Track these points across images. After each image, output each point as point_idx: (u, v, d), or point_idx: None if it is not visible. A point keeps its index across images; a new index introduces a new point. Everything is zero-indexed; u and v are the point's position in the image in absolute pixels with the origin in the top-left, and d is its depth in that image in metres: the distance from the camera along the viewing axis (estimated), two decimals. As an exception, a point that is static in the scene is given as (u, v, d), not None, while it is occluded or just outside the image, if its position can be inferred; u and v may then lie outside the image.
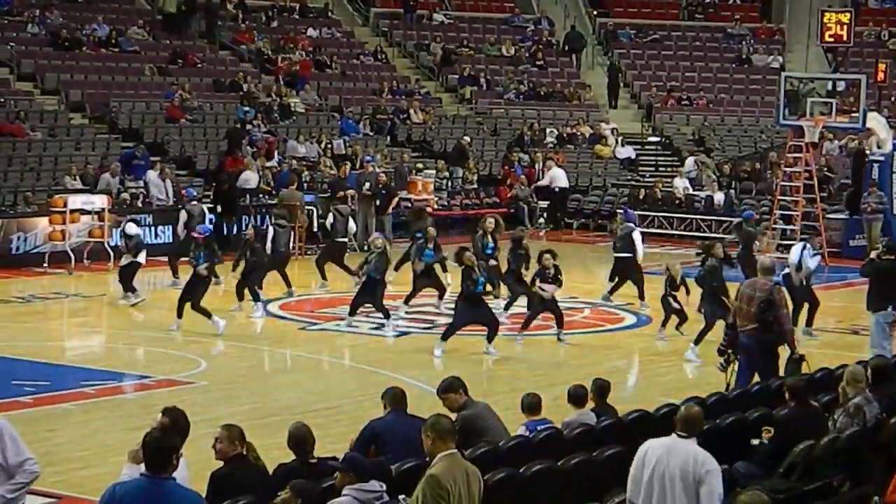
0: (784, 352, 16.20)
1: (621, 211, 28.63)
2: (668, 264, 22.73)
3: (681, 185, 37.74)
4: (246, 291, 23.61)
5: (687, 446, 9.39)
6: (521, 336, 21.92)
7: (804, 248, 22.64)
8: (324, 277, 26.59)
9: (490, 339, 20.65)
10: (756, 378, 15.82)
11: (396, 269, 25.56)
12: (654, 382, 19.29)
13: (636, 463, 9.50)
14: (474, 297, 20.50)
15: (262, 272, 24.30)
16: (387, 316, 22.40)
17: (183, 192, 29.59)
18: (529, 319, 21.95)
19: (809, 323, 22.59)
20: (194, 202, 27.98)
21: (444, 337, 20.81)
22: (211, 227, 23.08)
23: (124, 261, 24.51)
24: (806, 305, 22.53)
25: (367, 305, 22.56)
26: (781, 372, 15.68)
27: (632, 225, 25.53)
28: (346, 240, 27.51)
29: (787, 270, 22.47)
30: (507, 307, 23.41)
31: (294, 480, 9.08)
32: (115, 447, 14.36)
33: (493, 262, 23.47)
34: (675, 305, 22.00)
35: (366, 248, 32.10)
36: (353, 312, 22.65)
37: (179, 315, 21.92)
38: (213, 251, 22.58)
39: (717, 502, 9.20)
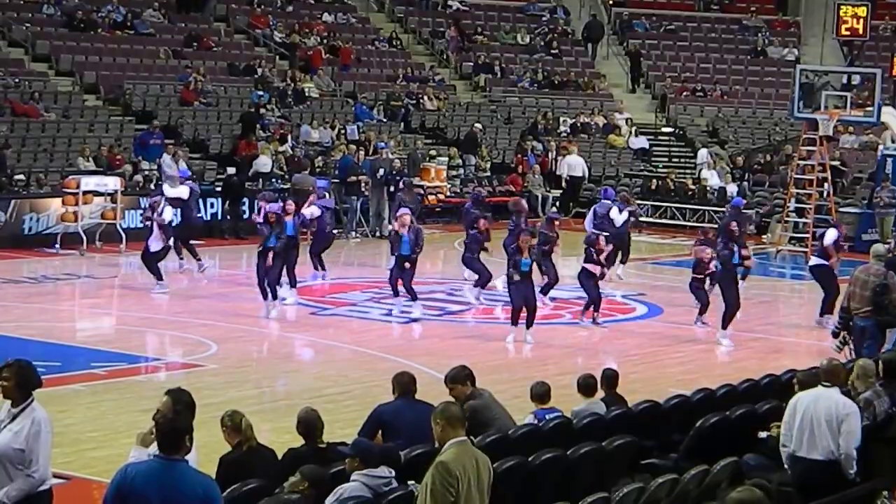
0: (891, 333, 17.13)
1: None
2: (695, 249, 22.73)
3: (709, 177, 37.66)
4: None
5: (831, 394, 10.90)
6: (601, 321, 22.23)
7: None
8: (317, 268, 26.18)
9: (529, 325, 20.70)
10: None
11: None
12: (664, 373, 19.26)
13: (789, 411, 10.99)
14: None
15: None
16: (413, 297, 22.28)
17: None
18: (598, 300, 22.15)
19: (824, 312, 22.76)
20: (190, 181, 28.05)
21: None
22: (278, 206, 22.90)
23: (157, 246, 23.88)
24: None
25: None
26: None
27: (608, 202, 25.64)
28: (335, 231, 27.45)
29: (813, 262, 23.29)
30: (543, 291, 23.31)
31: (304, 465, 9.09)
32: (124, 429, 14.41)
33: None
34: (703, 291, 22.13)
35: (377, 234, 32.39)
36: (396, 292, 22.65)
37: (274, 297, 21.93)
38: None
39: (856, 439, 10.76)
